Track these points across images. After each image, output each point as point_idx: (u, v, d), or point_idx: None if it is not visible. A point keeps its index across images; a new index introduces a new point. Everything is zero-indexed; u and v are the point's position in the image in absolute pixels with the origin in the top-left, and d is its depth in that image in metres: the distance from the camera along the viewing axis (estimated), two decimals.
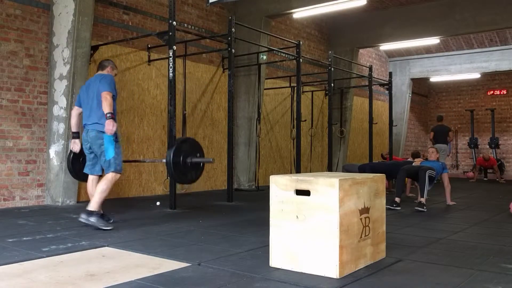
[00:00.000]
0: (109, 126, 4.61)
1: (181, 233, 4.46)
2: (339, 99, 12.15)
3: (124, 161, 5.57)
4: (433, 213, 6.28)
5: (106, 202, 5.14)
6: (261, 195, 8.08)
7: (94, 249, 3.73)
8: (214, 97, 9.26)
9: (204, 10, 9.14)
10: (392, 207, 6.35)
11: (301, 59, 8.48)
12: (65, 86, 6.46)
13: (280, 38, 9.33)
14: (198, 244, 3.94)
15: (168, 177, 6.44)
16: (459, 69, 14.99)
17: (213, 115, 9.24)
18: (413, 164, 7.39)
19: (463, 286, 2.81)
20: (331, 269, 2.92)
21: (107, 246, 3.84)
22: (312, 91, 11.69)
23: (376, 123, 12.28)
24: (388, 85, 11.68)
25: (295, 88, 8.91)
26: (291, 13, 9.53)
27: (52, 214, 5.69)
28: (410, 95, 15.81)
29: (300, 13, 9.62)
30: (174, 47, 5.87)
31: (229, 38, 7.06)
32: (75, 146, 5.10)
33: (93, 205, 4.61)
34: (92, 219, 4.53)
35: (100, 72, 5.07)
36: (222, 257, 3.45)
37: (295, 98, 9.28)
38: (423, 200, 6.41)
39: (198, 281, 2.85)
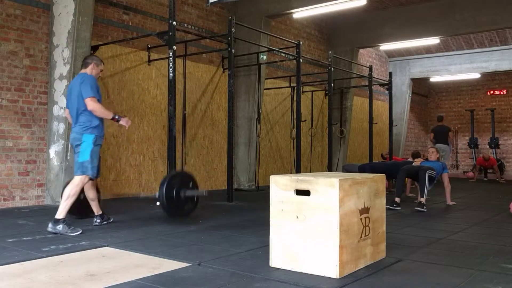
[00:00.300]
0: (124, 123, 4.70)
1: (181, 233, 4.46)
2: (339, 99, 12.14)
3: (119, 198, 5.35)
4: (433, 213, 6.28)
5: (106, 202, 5.14)
6: (261, 195, 8.07)
7: (94, 249, 3.73)
8: (214, 97, 9.26)
9: (204, 10, 9.14)
10: (392, 207, 6.35)
11: (301, 59, 8.48)
12: (65, 86, 6.45)
13: (280, 38, 9.33)
14: (198, 244, 3.94)
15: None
16: (459, 69, 14.99)
17: (213, 115, 9.24)
18: (413, 164, 7.39)
19: (463, 286, 2.81)
20: (331, 269, 2.92)
21: (107, 246, 3.84)
22: (312, 91, 11.69)
23: (376, 123, 12.28)
24: (388, 85, 11.68)
25: (295, 88, 8.91)
26: (291, 13, 9.53)
27: (52, 214, 5.61)
28: (410, 95, 15.81)
29: (300, 13, 9.62)
30: (174, 47, 5.87)
31: (229, 38, 7.06)
32: None
33: (60, 213, 4.41)
34: (59, 227, 4.33)
35: (83, 70, 4.85)
36: (222, 257, 3.45)
37: (295, 98, 9.28)
38: (423, 200, 6.41)
39: (198, 281, 2.85)
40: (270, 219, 3.20)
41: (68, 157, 6.36)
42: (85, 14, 6.47)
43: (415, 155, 9.36)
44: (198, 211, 5.42)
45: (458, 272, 3.11)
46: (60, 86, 6.51)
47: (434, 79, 16.03)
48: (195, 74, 8.81)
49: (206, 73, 9.09)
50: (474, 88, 16.89)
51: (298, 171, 8.40)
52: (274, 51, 9.51)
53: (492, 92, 16.49)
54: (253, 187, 9.47)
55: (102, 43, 7.17)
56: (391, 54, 15.55)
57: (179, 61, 7.89)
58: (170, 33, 5.86)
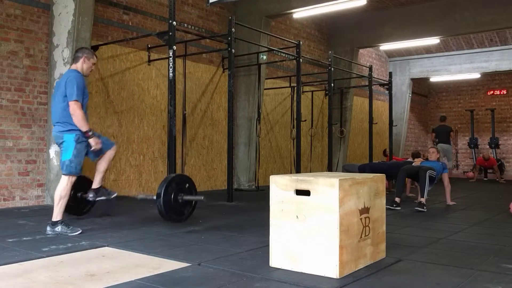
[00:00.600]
0: (93, 143, 4.49)
1: (181, 233, 4.45)
2: (339, 99, 12.14)
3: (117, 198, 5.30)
4: (433, 213, 6.28)
5: (106, 203, 5.14)
6: (261, 195, 8.07)
7: (94, 249, 3.73)
8: (214, 97, 9.26)
9: (204, 10, 9.14)
10: (392, 207, 6.35)
11: (301, 59, 8.48)
12: None
13: (280, 38, 9.33)
14: (198, 244, 3.94)
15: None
16: (459, 69, 14.99)
17: (213, 115, 9.25)
18: (413, 164, 7.39)
19: (463, 286, 2.81)
20: (331, 269, 2.92)
21: (107, 246, 3.84)
22: (312, 91, 11.69)
23: (376, 123, 12.28)
24: (388, 85, 11.67)
25: (295, 88, 8.91)
26: (291, 13, 9.53)
27: (52, 214, 5.67)
28: (410, 95, 15.81)
29: (300, 13, 9.62)
30: (174, 47, 5.86)
31: (229, 38, 7.06)
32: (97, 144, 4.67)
33: (56, 215, 4.37)
34: (57, 229, 4.31)
35: (73, 65, 4.63)
36: (222, 257, 3.45)
37: (295, 98, 9.28)
38: (423, 200, 6.41)
39: (198, 281, 2.85)
40: (270, 219, 3.20)
41: None
42: (85, 14, 6.47)
43: (415, 155, 9.36)
44: (198, 211, 5.42)
45: (458, 272, 3.11)
46: None
47: (434, 79, 16.03)
48: (195, 74, 8.81)
49: (206, 73, 9.09)
50: (474, 88, 16.89)
51: (298, 171, 8.40)
52: (274, 51, 9.51)
53: (492, 92, 16.50)
54: (253, 187, 9.47)
55: (102, 43, 7.17)
56: (391, 54, 15.55)
57: (179, 61, 7.89)
58: (170, 33, 5.86)
